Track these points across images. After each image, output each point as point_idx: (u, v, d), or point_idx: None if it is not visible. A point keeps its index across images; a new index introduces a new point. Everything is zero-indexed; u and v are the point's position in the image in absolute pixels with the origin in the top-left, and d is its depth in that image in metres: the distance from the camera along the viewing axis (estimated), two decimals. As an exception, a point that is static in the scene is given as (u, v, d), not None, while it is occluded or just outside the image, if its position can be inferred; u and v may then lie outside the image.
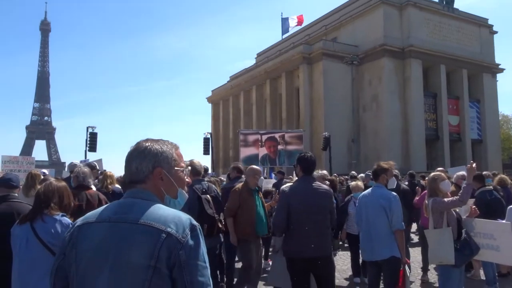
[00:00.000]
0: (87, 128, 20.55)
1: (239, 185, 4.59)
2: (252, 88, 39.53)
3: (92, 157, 18.37)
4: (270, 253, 6.74)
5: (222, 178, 9.48)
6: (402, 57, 31.21)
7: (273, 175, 15.77)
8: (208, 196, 4.33)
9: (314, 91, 32.24)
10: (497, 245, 3.66)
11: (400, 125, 30.67)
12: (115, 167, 40.37)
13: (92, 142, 20.09)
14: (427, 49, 31.19)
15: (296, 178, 3.77)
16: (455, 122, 32.79)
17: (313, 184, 3.55)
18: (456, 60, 32.54)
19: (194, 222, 1.29)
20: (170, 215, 1.28)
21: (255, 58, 47.98)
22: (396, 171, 7.28)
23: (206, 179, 4.86)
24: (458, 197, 3.67)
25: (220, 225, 4.29)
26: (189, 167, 4.31)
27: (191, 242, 1.24)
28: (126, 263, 1.18)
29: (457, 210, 3.82)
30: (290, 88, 34.89)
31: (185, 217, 1.31)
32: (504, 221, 3.94)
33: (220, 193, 4.65)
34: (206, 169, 5.52)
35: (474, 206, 3.95)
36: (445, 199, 3.71)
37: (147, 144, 1.36)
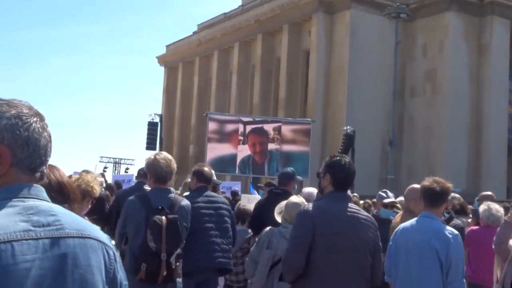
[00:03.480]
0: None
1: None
2: (234, 46, 39.75)
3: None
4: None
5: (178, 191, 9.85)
6: (478, 12, 31.66)
7: (254, 191, 16.40)
8: (163, 218, 4.44)
9: (334, 57, 32.63)
10: None
11: (469, 121, 31.20)
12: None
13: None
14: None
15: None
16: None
17: (351, 207, 3.72)
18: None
19: None
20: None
21: (242, -3, 48.31)
22: (457, 195, 7.26)
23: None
24: None
25: (172, 269, 4.43)
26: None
27: None
28: None
29: None
30: (294, 50, 35.19)
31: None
32: None
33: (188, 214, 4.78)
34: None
35: None
36: None
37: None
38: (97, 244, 1.47)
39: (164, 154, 4.78)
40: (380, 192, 7.39)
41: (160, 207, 4.48)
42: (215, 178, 6.56)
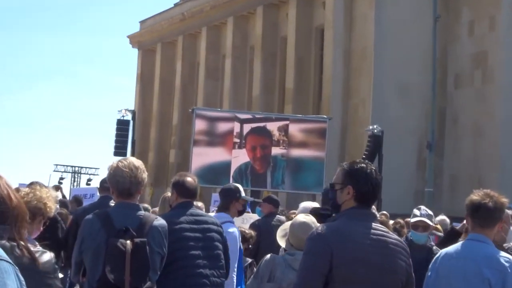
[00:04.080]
0: None
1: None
2: (227, 22, 40.06)
3: None
4: None
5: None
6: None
7: (248, 209, 16.22)
8: (127, 242, 4.48)
9: (356, 37, 32.71)
10: None
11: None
12: None
13: None
14: None
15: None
16: None
17: (377, 228, 3.82)
18: None
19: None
20: None
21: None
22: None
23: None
24: None
25: None
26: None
27: None
28: None
29: None
30: (305, 27, 35.37)
31: None
32: None
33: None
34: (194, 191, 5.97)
35: None
36: None
37: None
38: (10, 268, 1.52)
39: (130, 160, 4.82)
40: (415, 209, 7.44)
41: (124, 228, 4.51)
42: (242, 193, 6.84)
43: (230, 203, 6.80)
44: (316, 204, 6.81)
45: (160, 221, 4.79)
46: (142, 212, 4.73)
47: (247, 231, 7.86)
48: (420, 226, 7.11)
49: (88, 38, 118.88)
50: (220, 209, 6.98)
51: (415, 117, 30.91)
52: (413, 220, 7.15)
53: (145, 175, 4.74)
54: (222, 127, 24.41)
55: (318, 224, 5.24)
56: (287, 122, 24.90)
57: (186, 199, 5.68)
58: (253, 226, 9.36)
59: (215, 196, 26.19)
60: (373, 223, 3.82)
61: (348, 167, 3.92)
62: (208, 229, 5.60)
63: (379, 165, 23.45)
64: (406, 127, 30.54)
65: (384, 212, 13.34)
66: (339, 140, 31.02)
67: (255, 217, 10.92)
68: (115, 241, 4.47)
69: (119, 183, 4.66)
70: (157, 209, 8.06)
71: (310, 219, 5.19)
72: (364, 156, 22.80)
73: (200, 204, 9.06)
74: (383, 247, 3.74)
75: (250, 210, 16.13)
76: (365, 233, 3.74)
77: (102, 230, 4.56)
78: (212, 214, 7.11)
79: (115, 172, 4.69)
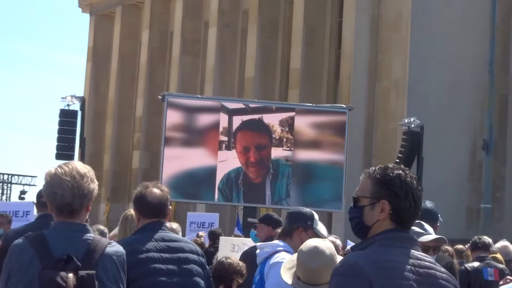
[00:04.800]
0: None
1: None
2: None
3: None
4: None
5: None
6: None
7: (240, 232, 16.98)
8: (69, 275, 4.47)
9: (387, -2, 32.62)
10: None
11: None
12: None
13: None
14: None
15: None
16: None
17: (422, 257, 3.88)
18: None
19: None
20: None
21: None
22: None
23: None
24: None
25: None
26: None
27: None
28: None
29: None
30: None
31: None
32: None
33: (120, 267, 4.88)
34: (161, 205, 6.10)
35: None
36: None
37: None
38: None
39: (73, 165, 4.80)
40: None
41: (65, 257, 4.49)
42: (317, 223, 6.97)
43: (296, 230, 6.90)
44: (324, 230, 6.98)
45: (115, 247, 4.78)
46: (90, 235, 4.70)
47: (235, 263, 7.77)
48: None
49: (27, 3, 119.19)
50: (280, 236, 7.12)
51: (466, 107, 30.97)
52: (424, 239, 6.95)
53: (94, 185, 4.73)
54: (204, 120, 24.47)
55: (333, 250, 5.38)
56: (293, 113, 24.94)
57: (152, 219, 5.76)
58: (245, 256, 9.29)
59: (192, 216, 26.77)
60: (417, 252, 3.85)
61: (381, 175, 3.91)
62: (185, 260, 5.66)
63: (418, 171, 23.56)
64: (454, 121, 30.54)
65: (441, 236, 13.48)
66: (363, 138, 31.10)
67: (249, 242, 10.86)
68: (52, 274, 4.43)
69: (57, 197, 4.64)
70: (116, 231, 8.04)
71: (326, 244, 5.28)
72: (397, 160, 22.97)
73: (175, 225, 9.14)
74: (433, 283, 3.81)
75: (241, 233, 16.85)
76: (410, 265, 3.77)
77: (36, 259, 4.50)
78: (261, 243, 7.46)
79: (52, 182, 4.67)
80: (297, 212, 7.19)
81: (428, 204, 7.88)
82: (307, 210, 7.23)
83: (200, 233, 19.00)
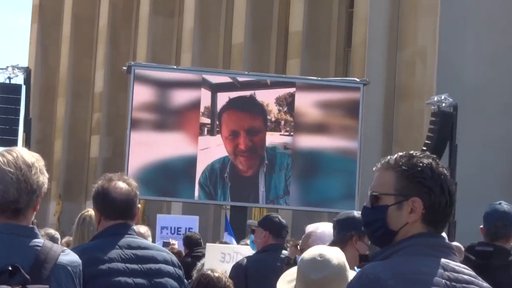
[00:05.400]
0: None
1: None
2: None
3: None
4: None
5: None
6: None
7: (232, 237, 17.45)
8: None
9: None
10: None
11: None
12: None
13: None
14: None
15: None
16: None
17: (461, 269, 3.92)
18: None
19: None
20: None
21: None
22: None
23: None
24: None
25: None
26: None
27: None
28: None
29: None
30: None
31: None
32: None
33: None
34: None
35: None
36: None
37: None
38: None
39: (17, 152, 4.64)
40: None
41: (9, 268, 4.43)
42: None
43: (349, 240, 6.72)
44: (330, 229, 7.10)
45: (69, 256, 4.73)
46: (39, 241, 4.62)
47: (224, 278, 7.63)
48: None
49: None
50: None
51: (509, 83, 30.62)
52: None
53: (44, 178, 4.63)
54: (181, 97, 24.19)
55: (344, 260, 5.37)
56: (293, 89, 24.50)
57: (118, 221, 5.85)
58: (237, 268, 9.62)
59: (163, 220, 27.31)
60: (453, 262, 3.84)
61: (407, 165, 3.82)
62: (157, 272, 5.78)
63: (451, 162, 23.41)
64: (494, 100, 30.26)
65: (457, 243, 12.95)
66: (381, 120, 30.89)
67: (245, 251, 11.03)
68: None
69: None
70: (71, 238, 8.52)
71: (335, 252, 5.40)
72: (424, 148, 22.65)
73: (143, 229, 9.29)
74: None
75: (234, 240, 16.76)
76: (446, 278, 3.75)
77: None
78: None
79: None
80: (346, 218, 7.00)
81: (505, 206, 8.05)
82: (356, 213, 7.00)
83: (172, 241, 18.99)
